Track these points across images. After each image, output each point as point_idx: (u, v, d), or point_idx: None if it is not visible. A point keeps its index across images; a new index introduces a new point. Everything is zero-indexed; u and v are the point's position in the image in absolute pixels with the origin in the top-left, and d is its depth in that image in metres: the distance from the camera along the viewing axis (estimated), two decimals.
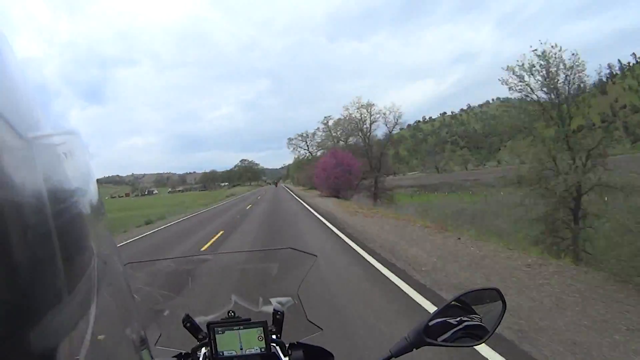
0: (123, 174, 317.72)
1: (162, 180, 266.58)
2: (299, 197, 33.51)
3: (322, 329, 1.43)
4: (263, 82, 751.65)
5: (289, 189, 64.54)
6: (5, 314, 0.30)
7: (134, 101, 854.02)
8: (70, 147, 0.49)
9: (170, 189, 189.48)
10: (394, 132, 40.26)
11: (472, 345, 1.04)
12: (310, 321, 1.42)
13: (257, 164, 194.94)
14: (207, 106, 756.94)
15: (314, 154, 56.88)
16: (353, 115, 41.39)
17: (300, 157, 62.74)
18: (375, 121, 39.73)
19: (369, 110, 40.10)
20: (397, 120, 38.69)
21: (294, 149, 61.36)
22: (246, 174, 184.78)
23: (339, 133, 48.02)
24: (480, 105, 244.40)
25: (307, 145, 60.21)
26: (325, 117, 51.35)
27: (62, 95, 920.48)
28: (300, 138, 60.56)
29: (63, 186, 0.45)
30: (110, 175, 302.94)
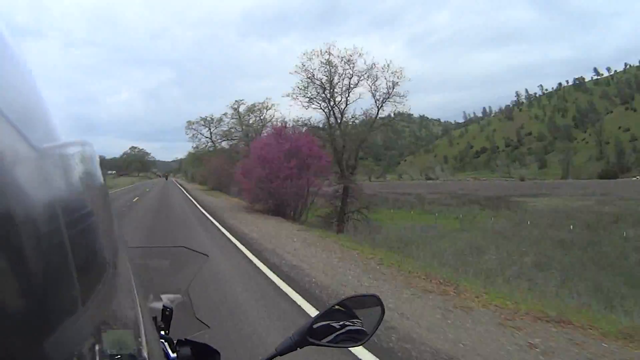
0: None
1: None
2: (202, 208, 20.05)
3: (209, 327, 1.55)
4: (167, 72, 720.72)
5: (182, 186, 52.67)
6: (21, 324, 0.30)
7: (34, 75, 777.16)
8: (82, 157, 0.52)
9: None
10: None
11: (352, 347, 1.19)
12: (198, 319, 1.50)
13: (148, 153, 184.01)
14: (108, 90, 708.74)
15: (216, 145, 49.34)
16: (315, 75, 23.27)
17: (200, 148, 52.00)
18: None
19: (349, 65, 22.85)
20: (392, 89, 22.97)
21: (193, 135, 50.00)
22: (134, 163, 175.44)
23: (252, 121, 42.27)
24: (382, 118, 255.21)
25: (211, 133, 49.99)
26: (236, 101, 43.51)
27: None
28: (202, 123, 49.64)
29: (76, 196, 0.47)
30: None
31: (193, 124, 50.19)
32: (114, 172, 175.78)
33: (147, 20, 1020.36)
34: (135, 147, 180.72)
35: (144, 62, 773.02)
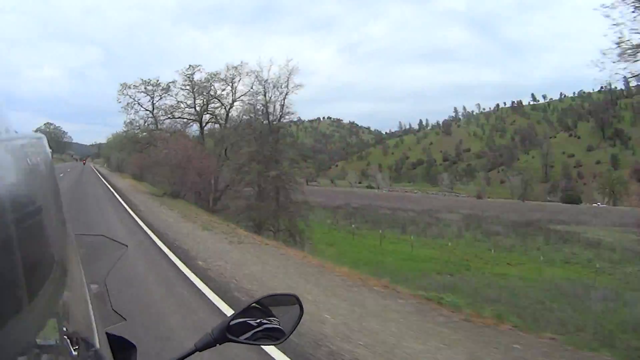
0: None
1: None
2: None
3: (125, 319, 1.47)
4: (95, 53, 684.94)
5: (105, 180, 39.39)
6: None
7: None
8: (34, 152, 0.49)
9: None
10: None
11: (270, 344, 1.23)
12: (115, 311, 1.45)
13: (64, 133, 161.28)
14: (30, 64, 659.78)
15: (159, 122, 36.62)
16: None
17: (136, 124, 37.15)
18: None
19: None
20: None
21: (128, 104, 36.02)
22: (48, 142, 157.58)
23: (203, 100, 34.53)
24: (311, 121, 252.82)
25: (153, 105, 36.26)
26: (190, 66, 34.23)
27: None
28: (143, 88, 35.99)
29: (26, 192, 0.45)
30: None
31: (129, 87, 36.08)
32: None
33: None
34: (51, 124, 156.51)
35: (72, 38, 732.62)
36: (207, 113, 34.74)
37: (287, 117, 27.39)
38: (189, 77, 34.36)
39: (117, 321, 1.41)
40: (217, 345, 1.07)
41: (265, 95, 26.50)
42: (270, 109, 26.63)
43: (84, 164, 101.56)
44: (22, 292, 0.37)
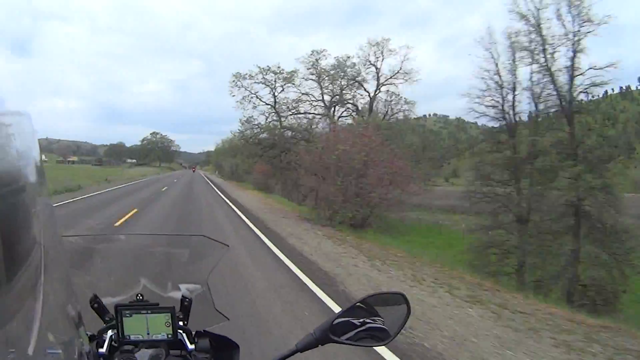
0: (38, 136, 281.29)
1: (74, 149, 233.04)
2: None
3: (228, 319, 1.47)
4: (196, 65, 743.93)
5: (217, 187, 34.86)
6: None
7: (61, 61, 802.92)
8: (18, 129, 0.49)
9: (60, 158, 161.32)
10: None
11: (373, 346, 1.12)
12: (217, 310, 1.46)
13: (171, 141, 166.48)
14: (136, 79, 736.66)
15: (283, 120, 30.68)
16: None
17: (254, 122, 31.14)
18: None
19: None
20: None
21: (244, 98, 30.45)
22: (155, 151, 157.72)
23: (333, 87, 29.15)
24: (417, 118, 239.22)
25: (275, 98, 30.43)
26: (314, 51, 29.12)
27: None
28: (261, 78, 29.97)
29: (8, 169, 0.44)
30: None
31: (244, 77, 29.94)
32: (133, 160, 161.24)
33: (176, 10, 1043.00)
34: (157, 133, 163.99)
35: (173, 53, 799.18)
36: (346, 103, 29.64)
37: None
38: (313, 65, 29.04)
39: (220, 321, 1.43)
40: (319, 345, 1.08)
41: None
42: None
43: (194, 171, 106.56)
44: (2, 271, 0.37)
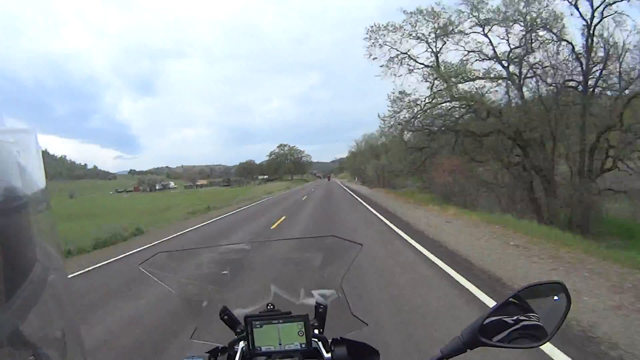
0: (173, 165, 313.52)
1: (208, 172, 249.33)
2: None
3: (367, 324, 1.40)
4: (314, 76, 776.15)
5: (371, 204, 22.06)
6: None
7: (185, 93, 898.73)
8: (24, 146, 0.49)
9: (189, 183, 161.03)
10: None
11: (529, 347, 1.00)
12: (354, 315, 1.40)
13: (301, 151, 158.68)
14: (259, 99, 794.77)
15: (460, 95, 20.40)
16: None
17: (411, 101, 21.44)
18: None
19: None
20: None
21: (389, 62, 21.91)
22: (286, 164, 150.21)
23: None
24: None
25: (437, 56, 21.65)
26: None
27: (113, 87, 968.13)
28: (409, 27, 21.47)
29: (12, 186, 0.45)
30: (160, 166, 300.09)
31: (382, 29, 21.46)
32: (264, 176, 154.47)
33: (285, 27, 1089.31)
34: (285, 145, 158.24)
35: (289, 68, 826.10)
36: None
37: None
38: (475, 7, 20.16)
39: (358, 327, 1.38)
40: (468, 350, 0.98)
41: None
42: None
43: (329, 180, 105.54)
44: (2, 288, 0.37)
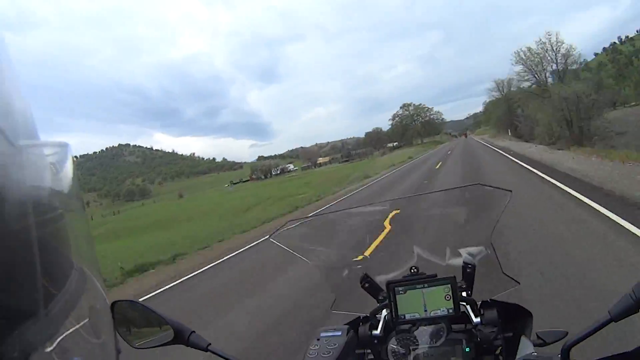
0: (307, 144, 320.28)
1: (340, 147, 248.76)
2: None
3: (519, 283, 1.35)
4: (434, 35, 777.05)
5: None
6: None
7: (308, 74, 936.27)
8: (59, 159, 0.52)
9: (307, 164, 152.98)
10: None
11: None
12: (505, 274, 1.34)
13: (429, 109, 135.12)
14: (383, 67, 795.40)
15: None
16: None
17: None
18: None
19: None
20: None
21: None
22: (414, 126, 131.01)
23: None
24: None
25: None
26: None
27: (237, 81, 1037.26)
28: None
29: (48, 197, 0.47)
30: (294, 148, 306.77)
31: None
32: (394, 143, 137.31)
33: None
34: (409, 104, 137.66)
35: (407, 32, 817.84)
36: None
37: None
38: None
39: (510, 286, 1.34)
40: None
41: None
42: None
43: (465, 137, 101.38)
44: (40, 295, 0.39)
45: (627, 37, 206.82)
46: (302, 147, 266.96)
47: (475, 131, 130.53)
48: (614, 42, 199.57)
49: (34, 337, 0.38)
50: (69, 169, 0.54)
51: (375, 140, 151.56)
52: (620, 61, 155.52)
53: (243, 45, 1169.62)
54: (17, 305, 0.36)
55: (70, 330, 0.47)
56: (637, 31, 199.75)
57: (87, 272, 0.54)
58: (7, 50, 0.42)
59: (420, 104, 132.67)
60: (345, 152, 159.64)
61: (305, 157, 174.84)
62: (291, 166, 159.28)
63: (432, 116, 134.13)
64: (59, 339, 0.43)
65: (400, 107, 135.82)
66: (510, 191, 1.34)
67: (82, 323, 0.51)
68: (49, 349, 0.41)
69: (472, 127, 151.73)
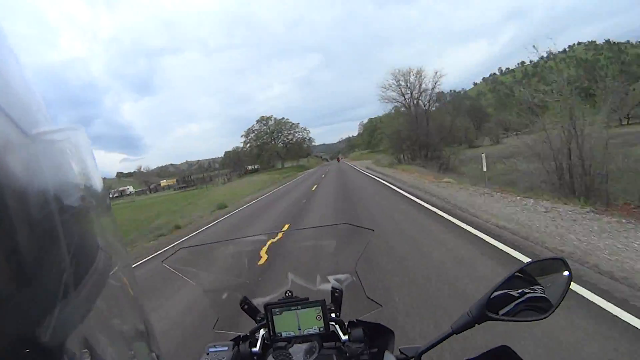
0: (177, 162, 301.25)
1: (206, 166, 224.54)
2: None
3: (381, 306, 1.50)
4: (314, 58, 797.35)
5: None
6: (13, 310, 0.33)
7: (185, 88, 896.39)
8: (74, 143, 0.53)
9: (142, 188, 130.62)
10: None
11: (535, 320, 1.03)
12: (369, 298, 1.49)
13: (294, 124, 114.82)
14: (260, 87, 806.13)
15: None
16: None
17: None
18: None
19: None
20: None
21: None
22: (269, 146, 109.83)
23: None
24: (563, 52, 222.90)
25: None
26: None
27: (113, 90, 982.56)
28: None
29: (68, 182, 0.49)
30: (164, 164, 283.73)
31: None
32: (255, 166, 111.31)
33: (278, 11, 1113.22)
34: (268, 118, 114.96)
35: (288, 52, 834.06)
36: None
37: None
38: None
39: (373, 308, 1.47)
40: (476, 325, 1.05)
41: None
42: None
43: (338, 161, 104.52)
44: (70, 278, 0.41)
45: (507, 68, 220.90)
46: (171, 164, 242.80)
47: (349, 155, 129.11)
48: (494, 73, 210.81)
49: (68, 319, 0.40)
50: (85, 151, 0.55)
51: (235, 161, 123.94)
52: (501, 91, 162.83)
53: (122, 52, 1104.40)
54: (48, 289, 0.37)
55: (101, 309, 0.48)
56: (517, 64, 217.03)
57: (113, 251, 0.57)
58: (7, 42, 0.42)
59: (283, 118, 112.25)
60: (182, 176, 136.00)
61: (141, 179, 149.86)
62: (131, 188, 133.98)
63: (298, 135, 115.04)
64: (89, 319, 0.45)
65: (257, 121, 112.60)
66: (373, 230, 1.57)
67: (110, 302, 0.53)
68: (82, 328, 0.43)
69: (344, 151, 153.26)
